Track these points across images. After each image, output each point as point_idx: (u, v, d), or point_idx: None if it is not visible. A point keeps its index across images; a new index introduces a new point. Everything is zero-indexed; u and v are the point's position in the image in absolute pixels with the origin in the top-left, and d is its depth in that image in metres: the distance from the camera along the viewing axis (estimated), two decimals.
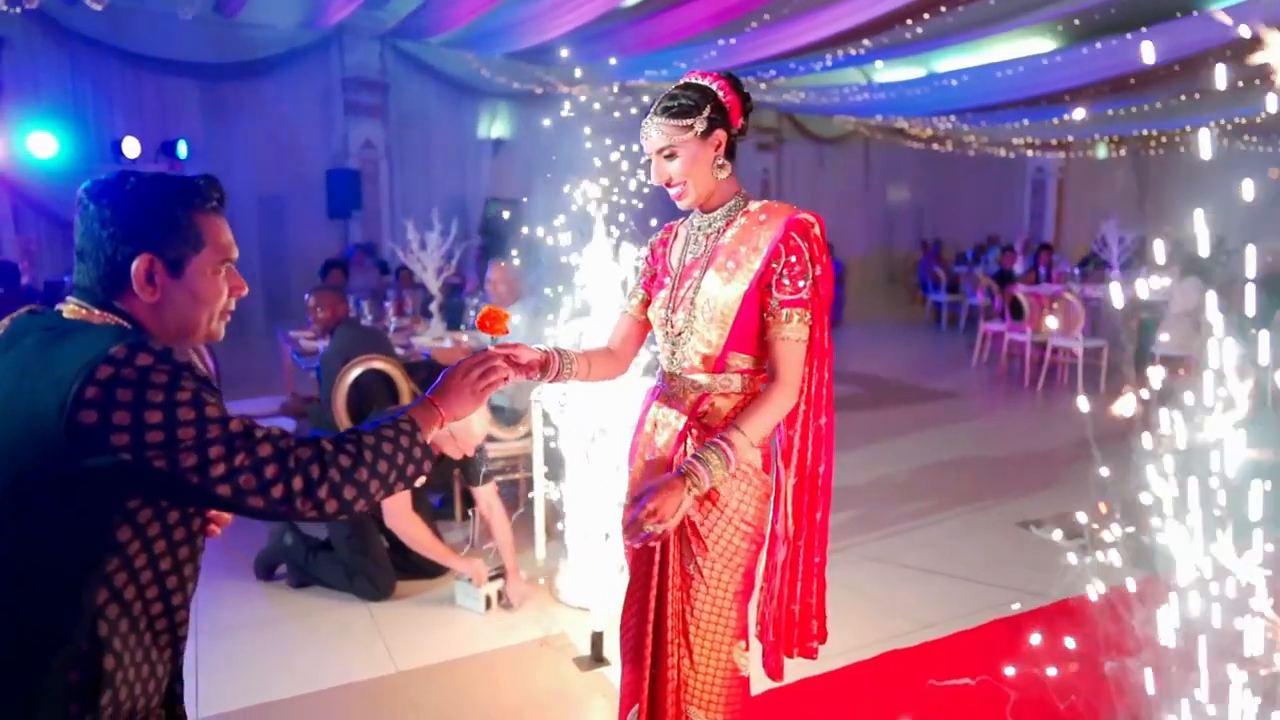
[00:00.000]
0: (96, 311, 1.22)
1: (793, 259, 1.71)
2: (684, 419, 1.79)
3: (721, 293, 1.75)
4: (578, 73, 9.69)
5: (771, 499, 1.83)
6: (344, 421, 3.86)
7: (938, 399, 7.45)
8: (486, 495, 3.54)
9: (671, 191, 1.79)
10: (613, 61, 10.35)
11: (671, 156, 1.75)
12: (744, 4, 9.02)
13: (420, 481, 1.31)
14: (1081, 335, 7.35)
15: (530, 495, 3.80)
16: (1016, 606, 3.34)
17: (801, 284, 1.71)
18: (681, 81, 1.81)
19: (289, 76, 10.31)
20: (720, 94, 1.78)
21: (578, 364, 1.81)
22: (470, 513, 3.94)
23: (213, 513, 1.36)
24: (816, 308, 1.75)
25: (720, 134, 1.77)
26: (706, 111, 1.74)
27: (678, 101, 1.74)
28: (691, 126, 1.73)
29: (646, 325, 1.92)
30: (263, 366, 7.57)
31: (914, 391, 7.83)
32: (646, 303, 1.92)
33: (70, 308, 1.24)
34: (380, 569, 3.48)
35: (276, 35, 9.98)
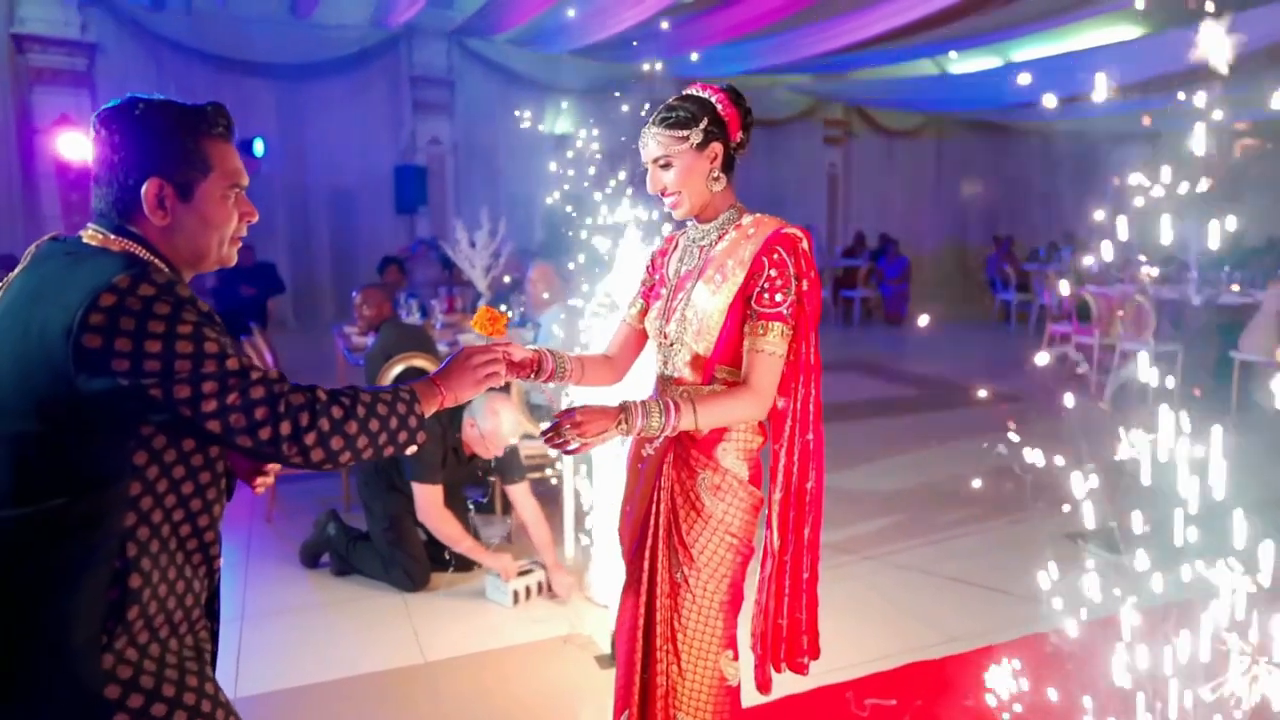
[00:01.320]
0: (113, 237, 1.27)
1: (773, 273, 1.71)
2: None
3: (708, 304, 1.76)
4: (645, 68, 9.74)
5: (762, 513, 1.84)
6: None
7: (996, 402, 7.24)
8: (520, 494, 3.61)
9: (666, 201, 1.81)
10: (695, 57, 10.34)
11: (667, 166, 1.77)
12: None
13: (411, 450, 1.33)
14: (1153, 340, 7.05)
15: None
16: (1045, 624, 3.25)
17: (780, 298, 1.71)
18: (682, 93, 1.83)
19: (359, 75, 10.62)
20: (719, 107, 1.79)
21: (571, 367, 1.84)
22: (509, 508, 4.02)
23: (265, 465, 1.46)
24: (801, 323, 1.75)
25: (716, 147, 1.78)
26: (704, 124, 1.76)
27: (675, 113, 1.76)
28: (687, 138, 1.75)
29: (644, 334, 1.95)
30: (325, 359, 7.85)
31: (972, 394, 7.64)
32: (645, 312, 1.94)
33: (89, 233, 1.28)
34: (415, 561, 3.59)
35: (348, 35, 10.29)
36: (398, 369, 3.98)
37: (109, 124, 1.27)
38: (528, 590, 3.50)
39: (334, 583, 3.72)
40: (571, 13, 9.08)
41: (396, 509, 3.59)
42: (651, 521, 1.84)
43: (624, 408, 1.62)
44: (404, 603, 3.53)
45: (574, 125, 12.46)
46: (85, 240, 1.28)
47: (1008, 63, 11.58)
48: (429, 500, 3.42)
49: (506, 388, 3.92)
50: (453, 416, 3.49)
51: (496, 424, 3.36)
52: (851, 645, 3.08)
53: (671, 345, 1.83)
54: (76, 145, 8.75)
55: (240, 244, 1.39)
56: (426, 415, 1.36)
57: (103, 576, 1.19)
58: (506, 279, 6.04)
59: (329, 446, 1.23)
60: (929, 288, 14.51)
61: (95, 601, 1.18)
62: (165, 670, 1.24)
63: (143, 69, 9.48)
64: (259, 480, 1.51)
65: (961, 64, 12.23)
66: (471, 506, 3.75)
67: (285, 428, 1.19)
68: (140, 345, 1.13)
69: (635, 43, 9.85)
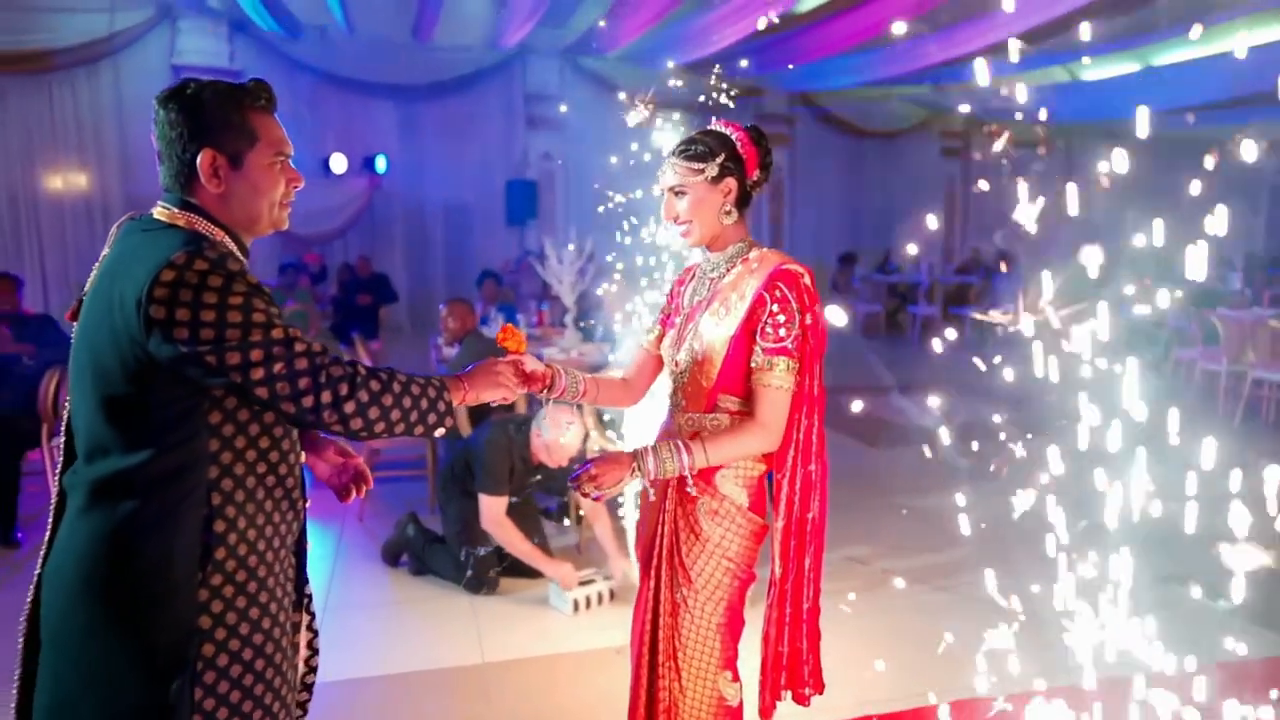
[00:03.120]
0: (178, 212, 1.41)
1: (775, 308, 1.75)
2: None
3: (712, 335, 1.81)
4: (750, 83, 9.78)
5: (764, 540, 1.86)
6: (464, 427, 4.19)
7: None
8: (588, 501, 3.72)
9: (679, 229, 1.87)
10: (786, 68, 10.30)
11: (681, 195, 1.84)
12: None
13: (439, 433, 1.46)
14: None
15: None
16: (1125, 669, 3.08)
17: (784, 333, 1.75)
18: (707, 127, 1.90)
19: (475, 94, 11.10)
20: (738, 144, 1.85)
21: (585, 386, 1.91)
22: (579, 517, 4.15)
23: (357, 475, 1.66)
24: (805, 356, 1.78)
25: (731, 182, 1.83)
26: (720, 159, 1.82)
27: (694, 146, 1.83)
28: (703, 170, 1.81)
29: (660, 359, 2.01)
30: (426, 367, 8.25)
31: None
32: (661, 338, 2.01)
33: (158, 210, 1.43)
34: (485, 565, 3.76)
35: (465, 57, 10.78)
36: None
37: (166, 105, 1.41)
38: (588, 600, 3.59)
39: (410, 581, 3.93)
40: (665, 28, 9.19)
41: (469, 514, 3.76)
42: (658, 542, 1.90)
43: (638, 455, 1.71)
44: (471, 604, 3.69)
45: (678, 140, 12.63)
46: (156, 216, 1.42)
47: (1147, 67, 10.90)
48: (492, 510, 3.58)
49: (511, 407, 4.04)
50: (520, 428, 3.64)
51: (560, 435, 3.49)
52: (890, 678, 3.03)
53: (681, 373, 1.88)
54: None
55: (289, 209, 1.52)
56: (454, 404, 1.48)
57: (195, 521, 1.34)
58: (600, 291, 6.19)
59: (366, 417, 1.35)
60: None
61: (192, 543, 1.34)
62: (250, 610, 1.39)
63: (281, 90, 10.03)
64: (349, 496, 1.67)
65: (1095, 70, 11.60)
66: (543, 513, 3.90)
67: (326, 396, 1.31)
68: (196, 315, 1.27)
69: (744, 61, 9.87)
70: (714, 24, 9.34)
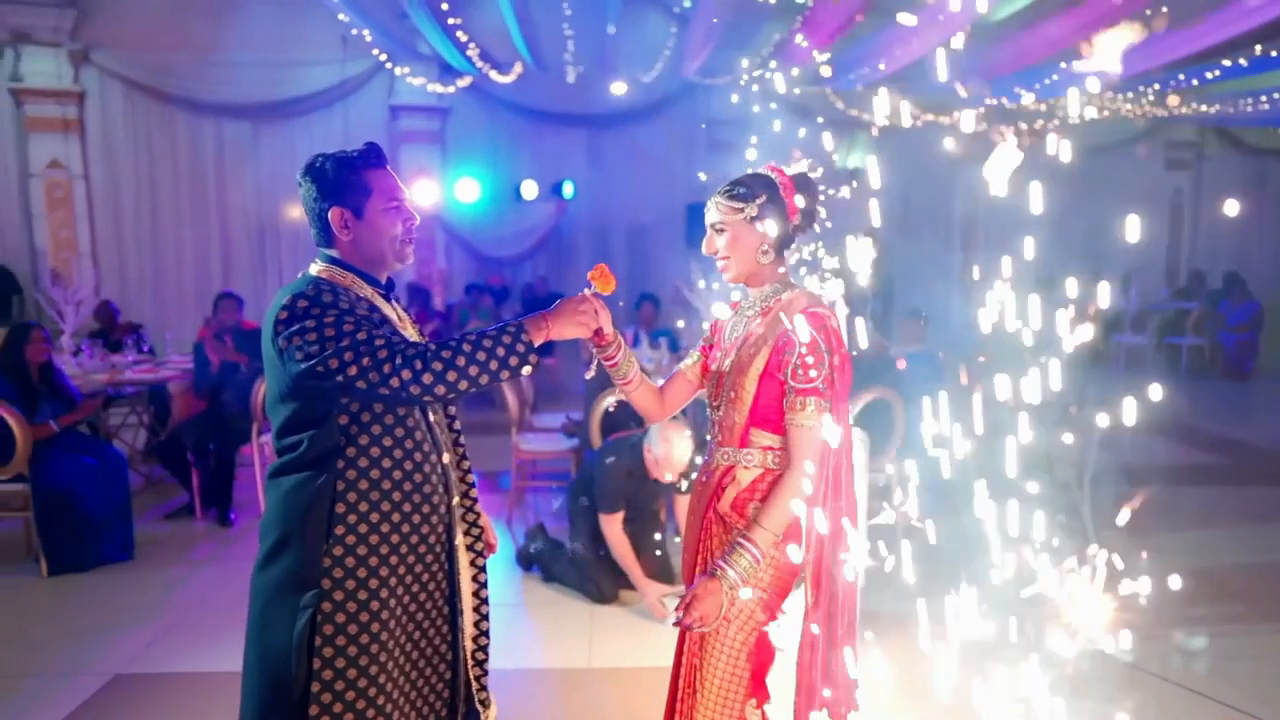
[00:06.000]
0: (321, 264, 1.77)
1: (804, 349, 1.81)
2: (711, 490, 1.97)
3: (744, 373, 1.89)
4: (939, 99, 9.42)
5: (797, 571, 1.91)
6: (597, 442, 4.44)
7: None
8: (683, 505, 3.86)
9: (718, 264, 1.98)
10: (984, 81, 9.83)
11: (721, 232, 1.95)
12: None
13: (526, 371, 1.64)
14: None
15: None
16: None
17: (815, 374, 1.81)
18: (754, 171, 2.00)
19: (658, 122, 11.49)
20: (781, 189, 1.93)
21: (634, 377, 1.99)
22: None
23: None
24: (835, 396, 1.82)
25: (770, 224, 1.91)
26: (760, 200, 1.91)
27: (738, 187, 1.94)
28: (742, 210, 1.91)
29: (693, 386, 2.10)
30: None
31: None
32: (703, 367, 2.09)
33: (312, 263, 1.79)
34: (606, 576, 3.96)
35: (647, 86, 11.19)
36: (609, 400, 4.41)
37: (305, 177, 1.76)
38: None
39: (538, 586, 4.21)
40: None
41: (592, 527, 3.99)
42: (697, 570, 2.00)
43: (719, 576, 1.80)
44: (591, 613, 3.90)
45: (866, 159, 12.35)
46: (309, 268, 1.80)
47: None
48: (606, 526, 3.80)
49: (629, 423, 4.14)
50: (633, 447, 3.82)
51: (668, 450, 3.63)
52: None
53: (717, 408, 1.98)
54: (429, 193, 10.57)
55: (411, 244, 1.82)
56: (535, 343, 1.65)
57: (327, 502, 1.67)
58: None
59: (446, 380, 1.58)
60: None
61: (323, 518, 1.67)
62: (369, 582, 1.68)
63: (481, 124, 11.15)
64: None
65: None
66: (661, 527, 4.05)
67: (406, 374, 1.56)
68: (304, 338, 1.61)
69: (943, 77, 9.49)
70: (895, 42, 9.12)
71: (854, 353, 2.30)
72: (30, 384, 4.41)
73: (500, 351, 1.61)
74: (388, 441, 1.70)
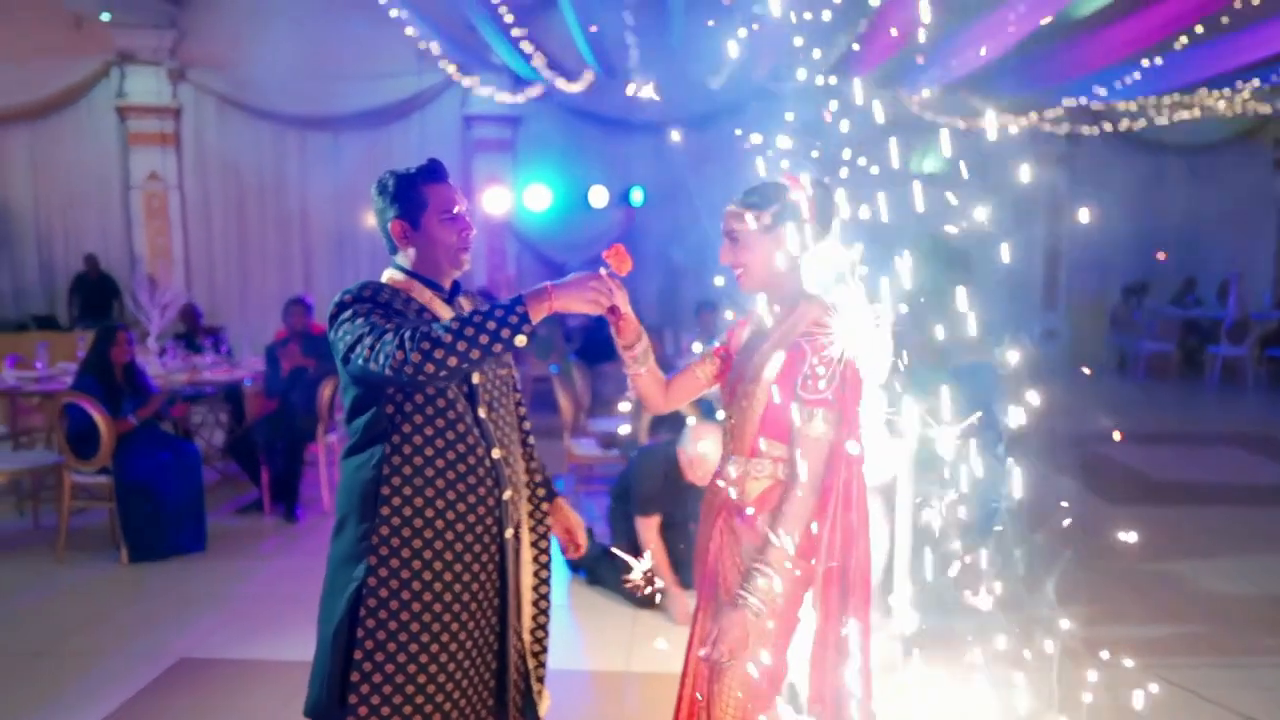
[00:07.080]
0: (390, 271, 1.91)
1: (815, 360, 1.80)
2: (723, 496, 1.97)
3: (755, 381, 1.89)
4: (1018, 101, 9.17)
5: (809, 582, 1.90)
6: (642, 435, 4.47)
7: None
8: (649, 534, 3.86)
9: (735, 271, 1.98)
10: (1062, 82, 9.51)
11: (735, 240, 1.95)
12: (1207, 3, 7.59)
13: (520, 341, 1.63)
14: None
15: None
16: None
17: (824, 385, 1.79)
18: (769, 179, 2.00)
19: (723, 128, 11.47)
20: (795, 197, 1.93)
21: (650, 362, 1.99)
22: None
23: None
24: (845, 407, 1.81)
25: (784, 232, 1.91)
26: (775, 209, 1.91)
27: (753, 195, 1.95)
28: (758, 219, 1.91)
29: (701, 385, 2.11)
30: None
31: None
32: (717, 370, 2.09)
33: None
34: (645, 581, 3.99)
35: (713, 92, 11.18)
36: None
37: (374, 193, 1.90)
38: None
39: (584, 589, 4.26)
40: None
41: (631, 531, 4.02)
42: (709, 581, 2.01)
43: (741, 605, 1.79)
44: (634, 616, 3.93)
45: (939, 162, 12.06)
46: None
47: None
48: (641, 529, 3.82)
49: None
50: (668, 448, 3.83)
51: (700, 451, 3.62)
52: None
53: (729, 415, 1.98)
54: (501, 200, 10.80)
55: (467, 252, 1.92)
56: (534, 316, 1.64)
57: (375, 484, 1.79)
58: None
59: (433, 358, 1.60)
60: None
61: (371, 499, 1.79)
62: (412, 563, 1.79)
63: (552, 132, 11.32)
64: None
65: None
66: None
67: (415, 357, 1.61)
68: (341, 331, 1.76)
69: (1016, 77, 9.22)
70: (966, 43, 8.90)
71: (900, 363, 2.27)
72: (114, 382, 4.70)
73: (491, 325, 1.62)
74: (429, 431, 1.80)
